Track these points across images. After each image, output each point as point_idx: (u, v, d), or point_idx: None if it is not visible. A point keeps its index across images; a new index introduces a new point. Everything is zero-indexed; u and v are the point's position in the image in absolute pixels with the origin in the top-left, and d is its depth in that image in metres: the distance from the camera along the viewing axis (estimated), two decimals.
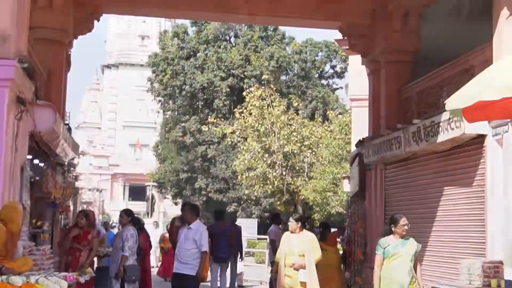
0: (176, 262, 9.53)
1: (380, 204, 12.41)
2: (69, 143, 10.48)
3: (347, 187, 16.07)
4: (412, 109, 11.73)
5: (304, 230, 9.42)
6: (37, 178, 8.93)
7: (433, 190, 10.31)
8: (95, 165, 72.00)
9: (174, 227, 10.51)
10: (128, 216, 10.40)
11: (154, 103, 45.58)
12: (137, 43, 78.30)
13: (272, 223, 15.24)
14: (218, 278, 13.82)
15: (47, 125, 8.00)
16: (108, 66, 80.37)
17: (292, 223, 9.38)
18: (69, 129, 12.21)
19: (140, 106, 78.69)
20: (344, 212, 22.70)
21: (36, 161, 8.98)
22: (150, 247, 14.67)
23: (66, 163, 11.68)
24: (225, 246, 13.40)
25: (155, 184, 48.13)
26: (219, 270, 13.77)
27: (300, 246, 9.20)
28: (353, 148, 16.18)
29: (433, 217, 10.24)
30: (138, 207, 63.30)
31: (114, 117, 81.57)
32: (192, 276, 9.35)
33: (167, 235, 17.10)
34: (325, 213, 23.82)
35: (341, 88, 42.15)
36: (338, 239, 14.19)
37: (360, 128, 15.44)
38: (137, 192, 69.75)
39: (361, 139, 13.29)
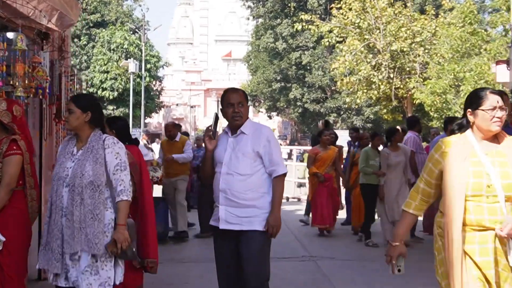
0: (221, 207, 4.51)
1: None
2: None
3: (503, 75, 11.28)
4: None
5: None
6: None
7: None
8: (188, 81, 70.98)
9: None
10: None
11: (245, 12, 42.80)
12: None
13: (409, 128, 10.31)
14: None
15: None
16: None
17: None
18: None
19: (232, 19, 77.58)
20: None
21: None
22: None
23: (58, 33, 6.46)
24: None
25: (248, 97, 46.11)
26: None
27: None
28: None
29: None
30: None
31: (205, 32, 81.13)
32: (260, 234, 4.48)
33: (321, 151, 10.86)
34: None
35: None
36: None
37: None
38: None
39: None
